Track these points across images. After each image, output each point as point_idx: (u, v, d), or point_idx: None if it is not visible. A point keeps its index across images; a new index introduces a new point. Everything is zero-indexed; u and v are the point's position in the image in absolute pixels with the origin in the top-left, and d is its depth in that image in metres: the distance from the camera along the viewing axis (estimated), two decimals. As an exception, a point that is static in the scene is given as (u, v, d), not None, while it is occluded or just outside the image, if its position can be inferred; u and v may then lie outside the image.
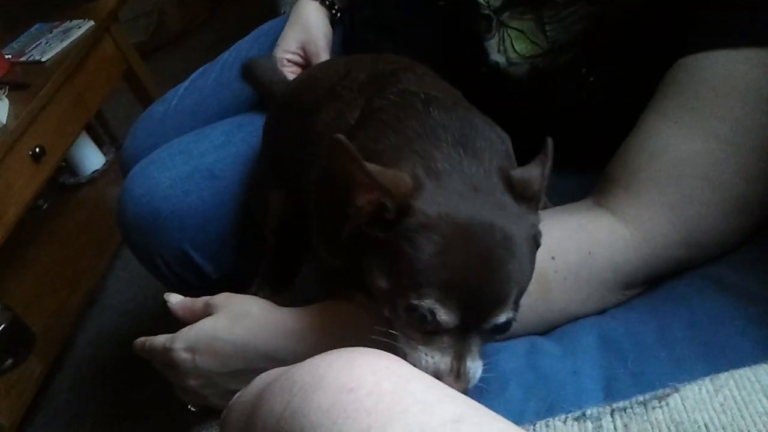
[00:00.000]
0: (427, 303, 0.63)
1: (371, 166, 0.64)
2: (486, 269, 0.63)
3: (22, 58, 2.34)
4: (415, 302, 0.63)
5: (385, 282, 0.67)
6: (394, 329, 0.68)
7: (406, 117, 0.73)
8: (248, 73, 1.29)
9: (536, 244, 0.68)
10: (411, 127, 0.72)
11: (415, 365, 0.63)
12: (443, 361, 0.65)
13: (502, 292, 0.64)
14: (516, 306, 0.66)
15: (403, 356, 0.65)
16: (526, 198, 0.68)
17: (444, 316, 0.63)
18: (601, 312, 0.80)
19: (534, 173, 0.69)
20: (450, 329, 0.65)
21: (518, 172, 0.69)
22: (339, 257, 0.82)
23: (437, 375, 0.65)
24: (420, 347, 0.66)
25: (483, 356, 0.68)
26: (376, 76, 0.84)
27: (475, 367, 0.66)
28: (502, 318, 0.65)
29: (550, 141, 0.70)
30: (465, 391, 0.65)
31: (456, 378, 0.65)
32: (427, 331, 0.65)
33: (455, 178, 0.66)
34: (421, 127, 0.71)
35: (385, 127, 0.73)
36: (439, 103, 0.75)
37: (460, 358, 0.65)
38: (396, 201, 0.64)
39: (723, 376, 0.55)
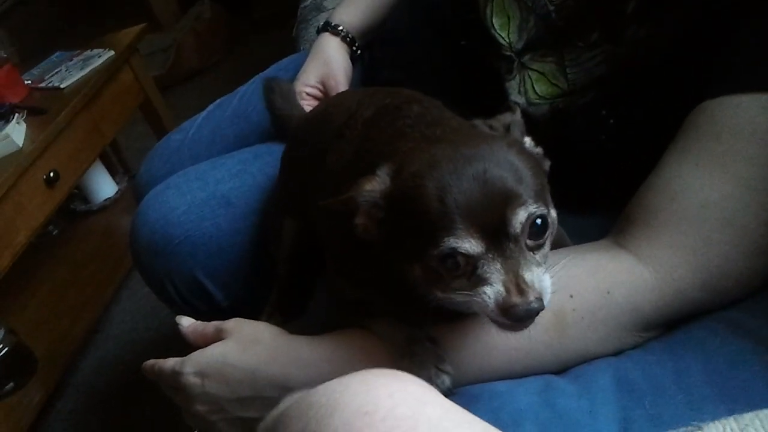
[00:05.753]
0: (446, 245, 0.63)
1: (344, 196, 0.70)
2: (477, 181, 0.64)
3: (42, 84, 2.38)
4: (437, 252, 0.64)
5: (418, 265, 0.68)
6: (452, 302, 0.68)
7: (383, 132, 0.80)
8: (268, 92, 1.30)
9: (526, 150, 0.70)
10: (384, 136, 0.78)
11: (485, 313, 0.65)
12: (495, 288, 0.64)
13: (504, 192, 0.64)
14: (537, 201, 0.65)
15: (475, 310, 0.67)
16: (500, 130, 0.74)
17: (466, 244, 0.63)
18: (618, 353, 0.79)
19: (503, 115, 0.76)
20: (484, 255, 0.64)
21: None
22: (362, 288, 0.82)
23: (503, 304, 0.63)
24: (472, 292, 0.65)
25: (544, 263, 0.67)
26: (380, 112, 0.85)
27: (535, 275, 0.64)
28: (522, 215, 0.64)
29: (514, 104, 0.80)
30: (541, 305, 0.63)
31: (520, 293, 0.63)
32: (471, 273, 0.65)
33: (421, 146, 0.70)
34: (392, 132, 0.78)
35: (368, 144, 0.80)
36: (416, 111, 0.80)
37: (513, 275, 0.64)
38: (375, 196, 0.69)
39: (747, 416, 0.54)
